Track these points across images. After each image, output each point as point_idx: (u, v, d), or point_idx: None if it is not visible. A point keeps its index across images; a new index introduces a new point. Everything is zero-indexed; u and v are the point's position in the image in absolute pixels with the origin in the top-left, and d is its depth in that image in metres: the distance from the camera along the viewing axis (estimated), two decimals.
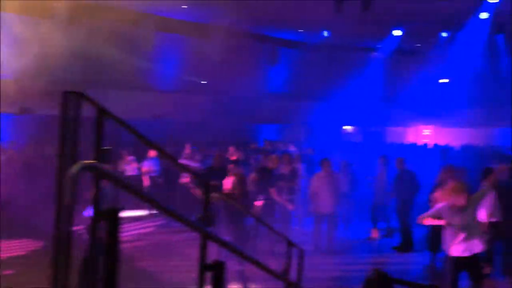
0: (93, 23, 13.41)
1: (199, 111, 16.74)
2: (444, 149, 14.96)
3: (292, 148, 13.04)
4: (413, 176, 7.77)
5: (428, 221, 4.66)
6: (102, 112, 1.95)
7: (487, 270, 6.20)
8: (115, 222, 1.65)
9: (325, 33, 17.27)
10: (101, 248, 1.65)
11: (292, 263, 3.61)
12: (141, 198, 1.72)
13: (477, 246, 4.47)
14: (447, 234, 4.52)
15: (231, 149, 10.75)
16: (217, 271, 2.25)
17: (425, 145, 17.45)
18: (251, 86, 17.93)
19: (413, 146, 17.69)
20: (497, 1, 12.72)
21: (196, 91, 17.00)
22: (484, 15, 14.17)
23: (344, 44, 19.33)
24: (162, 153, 3.81)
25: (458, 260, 4.44)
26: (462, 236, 4.39)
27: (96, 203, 1.84)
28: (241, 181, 5.13)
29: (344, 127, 22.16)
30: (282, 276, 2.99)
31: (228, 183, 5.14)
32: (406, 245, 7.62)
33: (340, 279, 6.18)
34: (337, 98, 18.62)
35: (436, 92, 20.34)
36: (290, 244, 3.36)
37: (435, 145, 17.21)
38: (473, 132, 18.96)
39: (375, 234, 8.44)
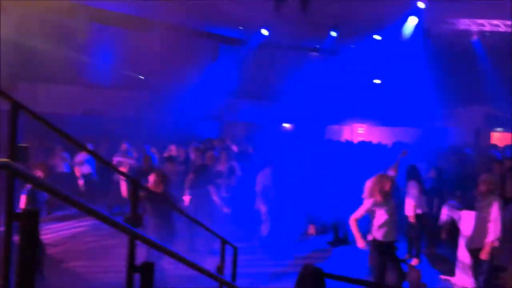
0: (23, 13, 12.61)
1: (136, 107, 16.31)
2: (377, 146, 15.59)
3: (233, 146, 13.03)
4: (348, 173, 8.02)
5: (353, 227, 4.91)
6: (17, 106, 1.82)
7: (414, 261, 6.57)
8: (31, 225, 1.56)
9: (265, 32, 17.35)
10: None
11: (227, 260, 3.59)
12: (60, 198, 1.63)
13: (396, 233, 4.95)
14: (373, 223, 4.90)
15: (172, 147, 10.57)
16: (146, 272, 2.19)
17: (363, 142, 18.08)
18: (192, 82, 17.73)
19: (350, 143, 18.29)
20: (424, 6, 13.43)
21: (133, 86, 16.48)
22: (413, 20, 14.96)
23: (284, 43, 19.63)
24: (86, 150, 3.64)
25: (380, 244, 4.75)
26: (384, 223, 4.79)
27: (9, 204, 1.72)
28: (162, 180, 5.07)
29: (284, 125, 22.51)
30: (215, 274, 2.97)
31: (150, 181, 5.08)
32: (341, 240, 7.86)
33: (276, 275, 6.25)
34: (277, 96, 18.91)
35: (369, 92, 21.22)
36: (224, 241, 3.32)
37: (369, 142, 17.88)
38: (403, 131, 20.02)
39: (311, 230, 8.64)
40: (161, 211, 4.85)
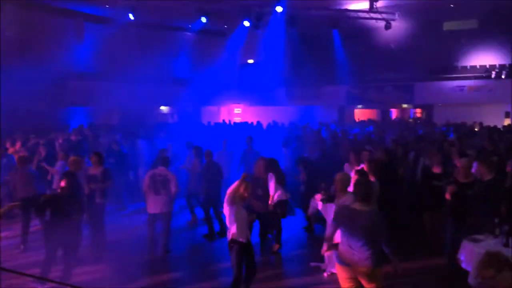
0: None
1: None
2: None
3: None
4: (219, 167, 8.10)
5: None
6: None
7: (275, 247, 6.97)
8: None
9: (131, 15, 16.53)
10: None
11: None
12: None
13: (247, 232, 5.09)
14: (230, 220, 4.95)
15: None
16: None
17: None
18: (55, 65, 16.21)
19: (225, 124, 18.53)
20: None
21: None
22: (279, 9, 15.69)
23: (153, 22, 18.87)
24: None
25: (233, 242, 4.93)
26: (233, 222, 4.90)
27: None
28: None
29: (160, 108, 21.95)
30: None
31: None
32: (213, 233, 7.91)
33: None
34: (148, 78, 18.02)
35: (244, 73, 21.69)
36: None
37: (245, 122, 18.29)
38: (276, 110, 20.95)
39: (193, 220, 8.70)
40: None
